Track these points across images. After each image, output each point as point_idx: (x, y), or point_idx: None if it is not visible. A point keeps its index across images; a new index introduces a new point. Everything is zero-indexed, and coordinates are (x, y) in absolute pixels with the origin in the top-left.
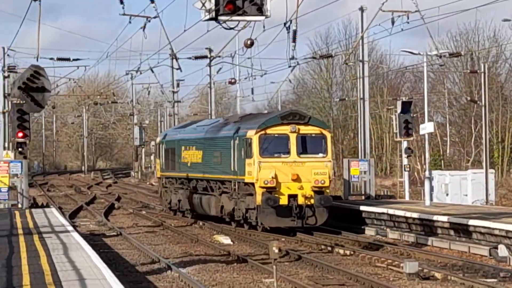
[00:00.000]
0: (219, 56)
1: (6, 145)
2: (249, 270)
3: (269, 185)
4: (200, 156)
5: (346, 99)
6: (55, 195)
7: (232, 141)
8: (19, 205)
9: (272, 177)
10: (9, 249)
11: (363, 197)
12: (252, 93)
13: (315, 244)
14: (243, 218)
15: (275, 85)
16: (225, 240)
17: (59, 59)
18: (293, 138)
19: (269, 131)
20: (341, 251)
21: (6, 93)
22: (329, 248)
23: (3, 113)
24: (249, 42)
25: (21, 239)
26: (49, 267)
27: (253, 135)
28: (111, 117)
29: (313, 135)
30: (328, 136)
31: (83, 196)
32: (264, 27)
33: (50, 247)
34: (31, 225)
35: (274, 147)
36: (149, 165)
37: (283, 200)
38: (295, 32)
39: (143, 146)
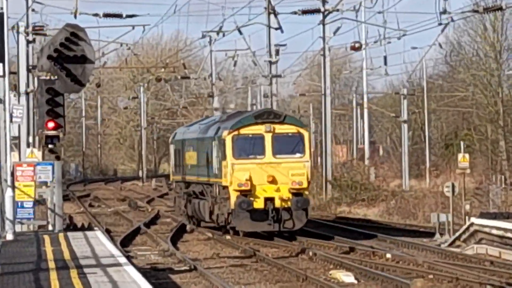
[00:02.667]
0: (337, 10)
1: (31, 140)
2: None
3: (243, 188)
4: (195, 158)
5: None
6: (101, 212)
7: (213, 142)
8: (50, 227)
9: (247, 180)
10: None
11: None
12: (385, 63)
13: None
14: (225, 223)
15: (418, 51)
16: (346, 277)
17: (106, 15)
18: (268, 138)
19: (242, 131)
20: None
21: (30, 65)
22: None
23: (27, 93)
24: None
25: (53, 276)
26: None
27: (226, 136)
28: (180, 99)
29: (289, 134)
30: (306, 135)
31: (141, 214)
32: None
33: (95, 287)
34: (66, 255)
35: (248, 148)
36: None
37: (259, 204)
38: None
39: None
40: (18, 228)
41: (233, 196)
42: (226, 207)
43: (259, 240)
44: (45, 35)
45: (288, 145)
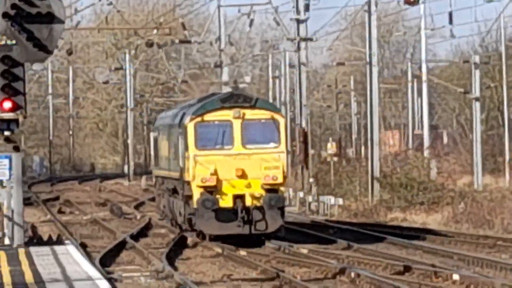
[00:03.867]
0: None
1: None
2: None
3: (208, 183)
4: (167, 149)
5: None
6: (74, 221)
7: (178, 131)
8: (6, 240)
9: (212, 174)
10: None
11: None
12: (451, 22)
13: None
14: (189, 224)
15: (494, 5)
16: None
17: None
18: (237, 125)
19: (207, 117)
20: None
21: None
22: None
23: None
24: None
25: None
26: None
27: (188, 123)
28: (179, 71)
29: (262, 120)
30: (281, 121)
31: (127, 223)
32: None
33: None
34: (29, 278)
35: (213, 137)
36: None
37: (227, 202)
38: None
39: None
40: None
41: (196, 193)
42: (189, 206)
43: (282, 256)
44: None
45: (260, 133)
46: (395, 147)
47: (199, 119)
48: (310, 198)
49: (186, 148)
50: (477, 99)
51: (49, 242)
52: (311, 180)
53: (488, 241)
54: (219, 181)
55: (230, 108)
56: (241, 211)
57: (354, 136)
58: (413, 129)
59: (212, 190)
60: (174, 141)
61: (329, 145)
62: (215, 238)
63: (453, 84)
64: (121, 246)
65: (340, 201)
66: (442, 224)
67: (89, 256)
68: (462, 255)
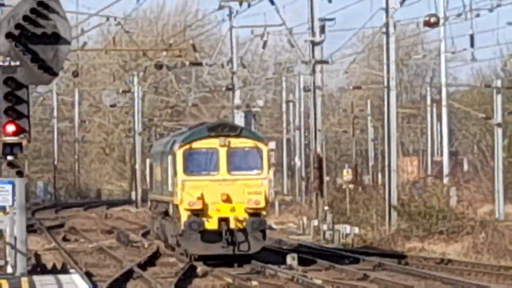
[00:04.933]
0: None
1: None
2: None
3: (194, 207)
4: (160, 174)
5: None
6: (79, 249)
7: (169, 157)
8: (9, 269)
9: (198, 198)
10: None
11: None
12: (472, 45)
13: None
14: (176, 244)
15: None
16: None
17: None
18: (222, 153)
19: (194, 145)
20: None
21: None
22: None
23: None
24: None
25: None
26: None
27: (177, 150)
28: (189, 94)
29: (246, 148)
30: (264, 149)
31: (134, 252)
32: None
33: None
34: None
35: (201, 163)
36: None
37: (212, 224)
38: None
39: None
40: None
41: (184, 216)
42: (177, 227)
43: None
44: (2, 5)
45: (244, 161)
46: (413, 174)
47: (187, 146)
48: (325, 227)
49: (175, 173)
50: (499, 124)
51: (53, 271)
52: (326, 208)
53: (510, 272)
54: (205, 204)
55: (217, 136)
56: (226, 233)
57: (370, 163)
58: (432, 155)
59: (199, 213)
60: (165, 167)
61: (344, 171)
62: (199, 258)
63: (474, 109)
64: (128, 275)
65: (356, 230)
66: (462, 254)
67: (94, 285)
68: (482, 286)
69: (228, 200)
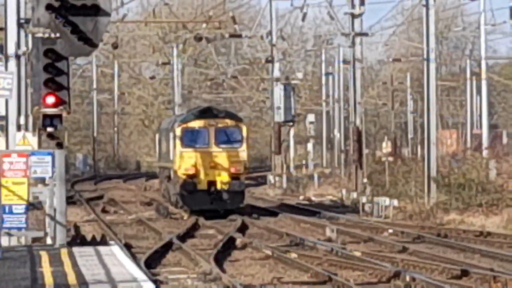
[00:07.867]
0: None
1: (23, 121)
2: None
3: (189, 172)
4: (166, 146)
5: None
6: (119, 221)
7: (170, 134)
8: (49, 240)
9: (192, 165)
10: None
11: None
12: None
13: None
14: (176, 202)
15: None
16: None
17: None
18: (211, 131)
19: (190, 124)
20: None
21: (22, 19)
22: None
23: (17, 57)
24: None
25: None
26: None
27: (177, 128)
28: (228, 66)
29: (230, 127)
30: (244, 128)
31: (173, 224)
32: None
33: None
34: (71, 279)
35: (194, 139)
36: (304, 162)
37: (203, 185)
38: None
39: (292, 123)
40: (5, 241)
41: (181, 179)
42: (176, 188)
43: (335, 259)
44: None
45: (228, 137)
46: (452, 147)
47: (184, 125)
48: (364, 199)
49: (174, 146)
50: None
51: (93, 243)
52: (365, 180)
53: None
54: (197, 170)
55: (207, 118)
56: (213, 192)
57: (410, 135)
58: (472, 128)
59: (193, 177)
60: (168, 141)
61: (384, 144)
62: (193, 212)
63: None
64: (167, 247)
65: (395, 202)
66: (501, 227)
67: (134, 257)
68: None
69: (215, 167)
